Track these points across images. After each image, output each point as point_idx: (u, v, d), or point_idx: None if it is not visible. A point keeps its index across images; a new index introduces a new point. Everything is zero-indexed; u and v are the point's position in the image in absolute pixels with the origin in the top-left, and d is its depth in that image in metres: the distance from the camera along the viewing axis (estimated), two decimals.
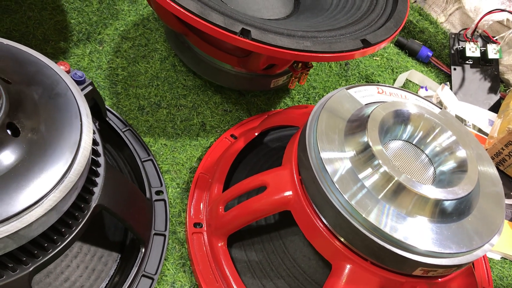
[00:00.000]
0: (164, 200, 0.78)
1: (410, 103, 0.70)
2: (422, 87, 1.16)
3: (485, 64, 1.22)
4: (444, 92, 1.12)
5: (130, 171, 0.79)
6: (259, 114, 0.97)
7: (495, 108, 1.18)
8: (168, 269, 0.73)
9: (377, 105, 0.69)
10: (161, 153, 0.85)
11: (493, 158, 1.05)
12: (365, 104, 0.73)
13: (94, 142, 0.65)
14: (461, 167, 0.66)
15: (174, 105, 0.92)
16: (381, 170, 0.61)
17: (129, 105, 0.89)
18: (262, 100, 1.00)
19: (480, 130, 1.13)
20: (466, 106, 1.15)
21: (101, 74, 0.92)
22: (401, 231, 0.58)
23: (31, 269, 0.54)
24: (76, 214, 0.58)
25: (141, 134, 0.86)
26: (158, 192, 0.79)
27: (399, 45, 1.26)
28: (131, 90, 0.91)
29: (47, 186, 0.52)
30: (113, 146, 0.81)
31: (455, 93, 1.18)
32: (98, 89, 0.90)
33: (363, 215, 0.58)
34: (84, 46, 0.95)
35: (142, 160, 0.81)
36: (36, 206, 0.51)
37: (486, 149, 1.06)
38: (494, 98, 1.20)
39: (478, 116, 1.15)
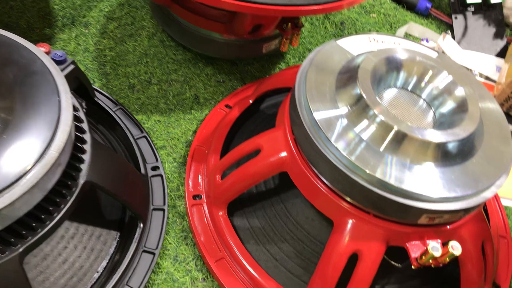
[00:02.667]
0: (161, 175, 0.77)
1: (401, 49, 0.67)
2: (422, 40, 1.12)
3: (488, 9, 1.16)
4: (446, 42, 1.07)
5: (124, 150, 0.78)
6: (253, 82, 0.94)
7: (502, 54, 1.13)
8: (170, 243, 0.72)
9: (366, 54, 0.66)
10: (155, 129, 0.83)
11: (502, 105, 1.01)
12: (357, 55, 0.69)
13: (79, 120, 0.63)
14: (461, 107, 0.63)
15: (165, 80, 0.90)
16: (377, 120, 0.58)
17: (119, 84, 0.88)
18: (256, 68, 0.97)
19: (487, 78, 1.09)
20: (471, 54, 1.10)
21: (88, 56, 0.90)
22: (402, 178, 0.56)
23: (21, 250, 0.53)
24: (63, 192, 0.57)
25: (133, 112, 0.84)
26: (154, 168, 0.78)
27: None
28: (120, 70, 0.90)
29: (26, 164, 0.51)
30: (105, 126, 0.80)
31: (459, 43, 1.13)
32: (86, 72, 0.89)
33: (357, 164, 0.56)
34: (70, 31, 0.93)
35: (135, 137, 0.79)
36: (16, 184, 0.50)
37: (494, 96, 1.02)
38: (501, 43, 1.15)
39: (485, 63, 1.10)
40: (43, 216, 0.55)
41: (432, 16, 1.21)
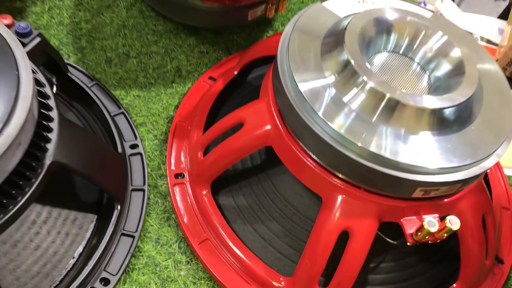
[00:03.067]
0: (140, 153, 0.72)
1: (391, 8, 0.61)
2: (420, 3, 1.06)
3: None
4: (444, 4, 1.01)
5: (101, 128, 0.73)
6: (239, 51, 0.89)
7: (504, 16, 1.07)
8: (151, 225, 0.68)
9: (353, 16, 0.60)
10: (135, 105, 0.79)
11: (504, 69, 0.95)
12: (343, 17, 0.64)
13: (44, 96, 0.59)
14: (458, 70, 0.58)
15: (145, 53, 0.85)
16: (367, 87, 0.53)
17: (96, 58, 0.83)
18: (242, 37, 0.91)
19: (489, 41, 1.03)
20: (472, 17, 1.04)
21: (63, 30, 0.85)
22: (393, 149, 0.51)
23: None
24: (27, 173, 0.52)
25: (110, 87, 0.79)
26: (133, 146, 0.73)
27: None
28: (96, 43, 0.84)
29: None
30: (80, 103, 0.75)
31: (458, 5, 1.07)
32: (61, 46, 0.83)
33: (347, 136, 0.51)
34: (43, 3, 0.87)
35: (112, 114, 0.74)
36: None
37: (497, 60, 0.96)
38: (503, 4, 1.08)
39: (486, 26, 1.04)
40: (5, 201, 0.51)
41: None
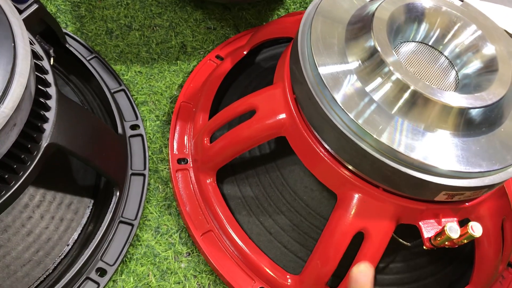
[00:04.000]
0: (141, 135, 0.68)
1: None
2: None
3: None
4: None
5: (99, 105, 0.69)
6: (248, 30, 0.84)
7: None
8: (151, 213, 0.64)
9: (382, 1, 0.56)
10: (136, 82, 0.74)
11: None
12: (369, 1, 0.59)
13: (42, 70, 0.54)
14: (490, 67, 0.54)
15: (148, 25, 0.79)
16: (393, 78, 0.49)
17: (95, 29, 0.77)
18: (252, 14, 0.86)
19: (506, 33, 0.99)
20: (490, 7, 1.00)
21: None
22: (419, 150, 0.48)
23: None
24: (22, 156, 0.48)
25: (110, 61, 0.74)
26: (134, 127, 0.68)
27: None
28: (96, 12, 0.79)
29: None
30: (78, 77, 0.70)
31: None
32: (58, 14, 0.78)
33: (364, 128, 0.48)
34: None
35: (112, 91, 0.69)
36: None
37: None
38: None
39: (504, 17, 1.00)
40: None
41: None
